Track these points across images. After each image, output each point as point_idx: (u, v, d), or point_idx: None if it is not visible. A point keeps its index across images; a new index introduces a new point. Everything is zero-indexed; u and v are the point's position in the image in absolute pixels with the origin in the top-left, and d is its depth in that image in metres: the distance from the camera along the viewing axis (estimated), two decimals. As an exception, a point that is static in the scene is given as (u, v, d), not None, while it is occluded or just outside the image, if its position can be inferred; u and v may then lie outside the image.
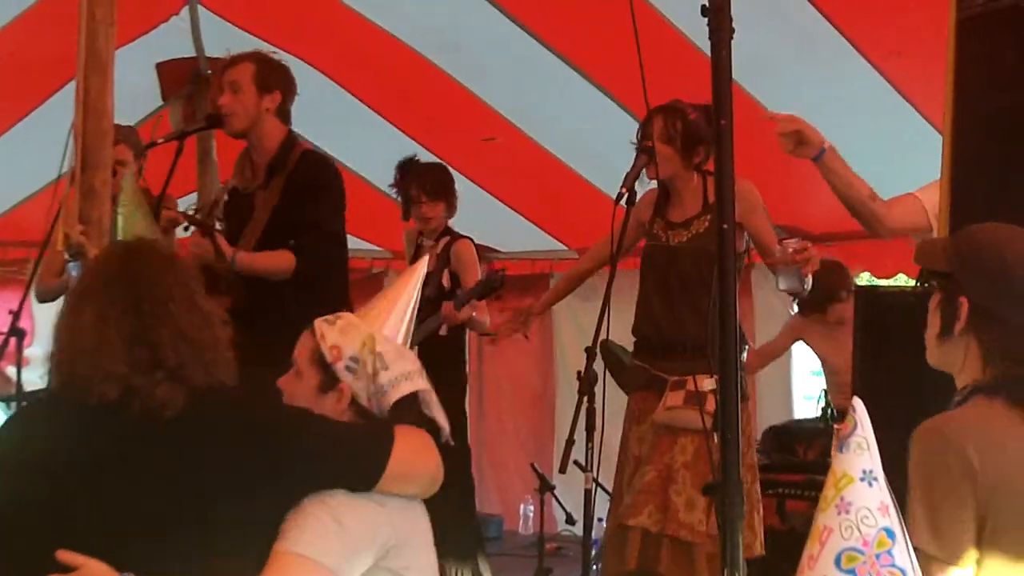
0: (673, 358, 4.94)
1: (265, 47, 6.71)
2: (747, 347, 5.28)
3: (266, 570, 2.70)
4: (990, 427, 2.71)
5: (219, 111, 5.11)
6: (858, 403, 2.04)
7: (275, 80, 5.15)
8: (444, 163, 6.66)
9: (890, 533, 1.98)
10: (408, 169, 6.59)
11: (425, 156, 7.42)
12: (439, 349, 5.90)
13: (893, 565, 1.95)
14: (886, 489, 2.04)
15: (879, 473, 2.03)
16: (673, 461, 4.86)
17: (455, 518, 6.03)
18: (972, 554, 2.59)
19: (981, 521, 2.60)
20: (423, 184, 6.39)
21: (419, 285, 3.32)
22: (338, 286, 5.23)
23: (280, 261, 4.95)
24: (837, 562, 1.96)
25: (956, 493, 2.63)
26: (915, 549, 2.34)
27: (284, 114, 5.20)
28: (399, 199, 6.67)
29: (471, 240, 6.44)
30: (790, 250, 4.58)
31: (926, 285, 4.32)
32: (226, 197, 5.42)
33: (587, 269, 5.67)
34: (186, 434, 2.74)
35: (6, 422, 2.99)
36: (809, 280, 4.63)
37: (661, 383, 4.92)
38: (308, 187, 5.09)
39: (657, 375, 4.91)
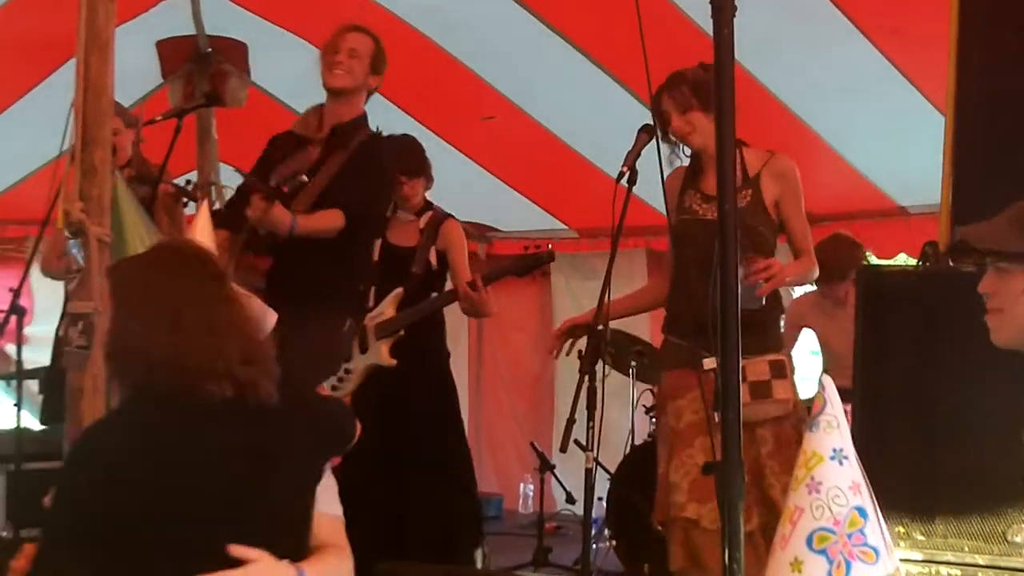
0: (712, 337, 4.83)
1: (265, 25, 6.72)
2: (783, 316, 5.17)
3: (326, 533, 2.91)
4: None
5: (334, 69, 5.28)
6: (827, 381, 2.03)
7: (383, 65, 5.36)
8: (409, 134, 6.52)
9: (862, 512, 1.97)
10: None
11: (425, 135, 7.40)
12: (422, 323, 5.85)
13: (865, 544, 1.94)
14: (857, 467, 2.03)
15: (850, 451, 2.02)
16: (758, 455, 4.78)
17: (455, 495, 6.02)
18: None
19: None
20: (402, 163, 6.25)
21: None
22: (365, 260, 5.50)
23: (333, 220, 5.08)
24: (809, 542, 1.95)
25: None
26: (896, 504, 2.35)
27: (368, 95, 5.40)
28: None
29: (457, 220, 6.32)
30: (752, 268, 4.57)
31: (927, 264, 4.33)
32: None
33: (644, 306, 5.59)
34: (288, 420, 2.88)
35: (116, 427, 2.90)
36: (763, 300, 4.63)
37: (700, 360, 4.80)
38: (367, 165, 5.24)
39: (702, 354, 4.78)
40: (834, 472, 2.00)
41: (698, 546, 4.72)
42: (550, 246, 6.70)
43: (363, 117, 5.37)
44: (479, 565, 6.27)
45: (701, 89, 4.74)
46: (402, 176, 6.05)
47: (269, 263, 5.07)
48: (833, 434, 2.03)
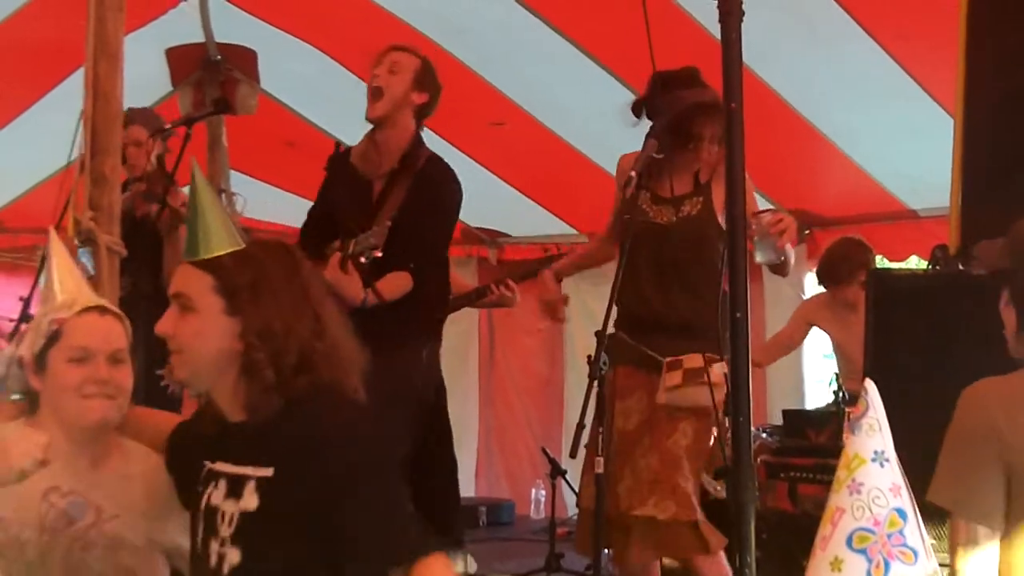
0: (661, 338, 4.87)
1: (273, 32, 6.73)
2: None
3: None
4: None
5: (372, 84, 5.18)
6: (870, 385, 2.05)
7: (430, 83, 5.22)
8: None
9: (902, 513, 1.99)
10: None
11: (434, 140, 7.40)
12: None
13: (904, 545, 1.95)
14: (898, 470, 2.05)
15: (891, 454, 2.03)
16: (676, 446, 4.82)
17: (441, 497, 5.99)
18: (998, 514, 2.60)
19: (1008, 483, 2.61)
20: None
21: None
22: (439, 290, 5.40)
23: (402, 286, 5.03)
24: (849, 542, 1.96)
25: (980, 454, 2.65)
26: (935, 508, 2.36)
27: (420, 116, 5.25)
28: None
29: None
30: (765, 222, 4.54)
31: (937, 267, 4.34)
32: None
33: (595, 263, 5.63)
34: None
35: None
36: (789, 251, 4.60)
37: (649, 361, 4.86)
38: (431, 199, 5.16)
39: (648, 353, 4.84)
40: (875, 474, 2.02)
41: (660, 539, 4.76)
42: (559, 251, 6.71)
43: (416, 140, 5.25)
44: (462, 569, 6.25)
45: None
46: None
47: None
48: (875, 437, 2.06)
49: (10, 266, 8.62)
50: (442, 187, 5.22)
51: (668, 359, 4.76)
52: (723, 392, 4.71)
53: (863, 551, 1.94)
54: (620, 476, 4.86)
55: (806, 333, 7.32)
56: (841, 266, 6.69)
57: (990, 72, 4.45)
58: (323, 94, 7.57)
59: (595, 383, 4.47)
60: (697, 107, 4.76)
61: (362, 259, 4.87)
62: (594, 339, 4.53)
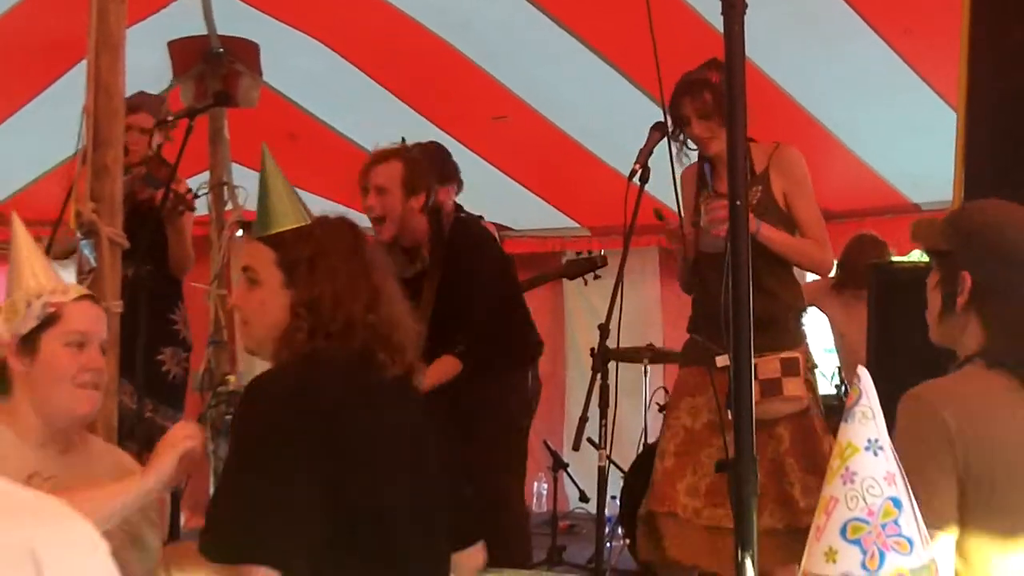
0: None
1: (275, 25, 6.73)
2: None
3: None
4: (976, 393, 2.73)
5: (370, 215, 5.17)
6: (863, 372, 2.04)
7: (422, 180, 5.24)
8: (436, 143, 6.52)
9: (896, 502, 1.98)
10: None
11: (437, 134, 7.40)
12: None
13: (900, 535, 1.94)
14: (892, 459, 2.04)
15: (885, 442, 2.02)
16: (776, 454, 4.77)
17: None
18: (952, 518, 2.60)
19: (962, 486, 2.61)
20: (437, 171, 6.25)
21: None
22: (522, 326, 5.68)
23: (449, 371, 5.09)
24: (843, 532, 1.95)
25: (934, 458, 2.65)
26: None
27: (427, 207, 5.28)
28: None
29: (489, 223, 6.34)
30: (710, 209, 4.59)
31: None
32: None
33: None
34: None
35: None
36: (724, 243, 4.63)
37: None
38: (467, 268, 5.27)
39: (714, 350, 4.77)
40: (869, 463, 2.01)
41: (702, 546, 4.73)
42: (602, 252, 6.75)
43: (435, 229, 5.33)
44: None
45: (722, 99, 4.74)
46: (437, 184, 6.08)
47: None
48: (868, 425, 2.04)
49: (13, 258, 8.61)
50: (471, 256, 5.35)
51: (719, 364, 4.66)
52: (802, 404, 4.75)
53: (857, 541, 1.93)
54: (680, 474, 4.82)
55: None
56: (858, 262, 6.70)
57: (993, 66, 4.44)
58: (325, 87, 7.57)
59: (598, 375, 4.48)
60: (675, 90, 4.77)
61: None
62: (596, 332, 4.54)
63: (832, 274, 6.94)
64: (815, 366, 4.96)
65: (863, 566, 1.91)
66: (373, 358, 2.89)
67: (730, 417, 2.70)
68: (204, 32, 6.90)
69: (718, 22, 2.77)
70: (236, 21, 6.83)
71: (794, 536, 4.64)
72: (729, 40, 2.77)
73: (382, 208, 5.15)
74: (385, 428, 2.88)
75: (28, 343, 3.05)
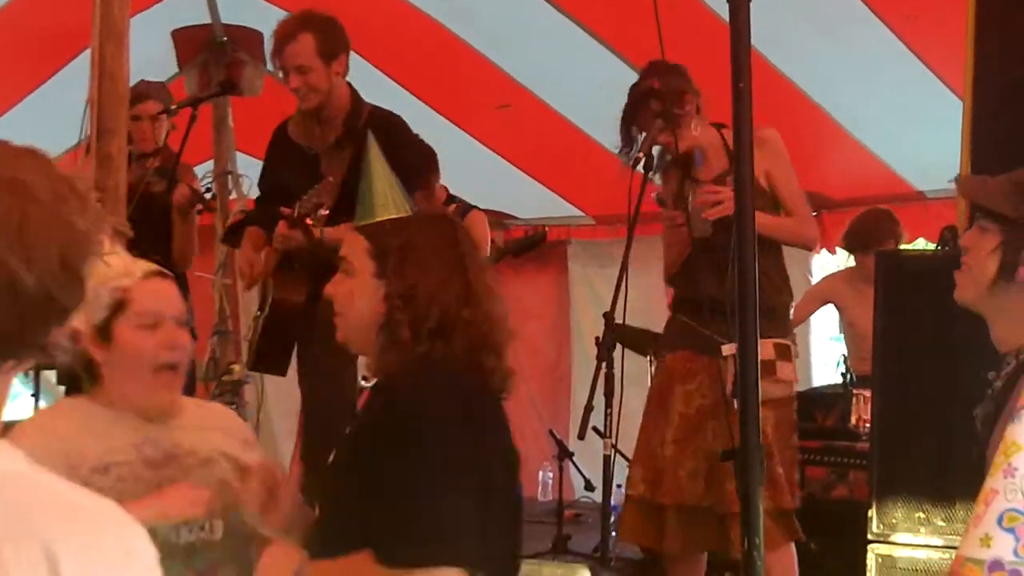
0: (719, 321, 4.80)
1: (279, 14, 6.71)
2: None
3: None
4: None
5: (296, 93, 5.01)
6: None
7: (337, 43, 5.01)
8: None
9: None
10: None
11: (441, 123, 7.41)
12: None
13: None
14: None
15: None
16: (764, 436, 4.77)
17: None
18: None
19: None
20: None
21: None
22: None
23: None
24: (999, 521, 2.07)
25: None
26: None
27: (347, 71, 5.10)
28: None
29: (481, 211, 6.33)
30: (700, 196, 4.62)
31: (945, 248, 4.32)
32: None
33: None
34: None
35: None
36: (709, 225, 4.65)
37: (710, 345, 4.78)
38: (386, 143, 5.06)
39: (709, 336, 4.77)
40: None
41: (700, 531, 4.75)
42: (545, 228, 6.72)
43: (354, 101, 5.13)
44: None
45: (669, 100, 4.78)
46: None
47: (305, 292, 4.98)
48: None
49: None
50: (384, 143, 5.11)
51: (732, 351, 4.66)
52: (791, 390, 4.78)
53: (1012, 530, 2.05)
54: (680, 460, 4.82)
55: (815, 310, 7.32)
56: (871, 233, 6.70)
57: (999, 55, 4.44)
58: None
59: (603, 364, 4.48)
60: (624, 112, 4.82)
61: (308, 220, 4.80)
62: (601, 321, 4.54)
63: (845, 264, 6.96)
64: (796, 356, 4.98)
65: (1015, 552, 2.01)
66: (481, 364, 2.87)
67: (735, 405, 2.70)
68: (208, 21, 6.90)
69: (723, 10, 2.77)
70: (239, 10, 6.84)
71: (780, 518, 4.66)
72: (735, 29, 2.77)
73: (307, 87, 4.95)
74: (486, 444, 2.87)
75: (103, 331, 3.00)
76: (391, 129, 5.06)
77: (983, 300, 2.95)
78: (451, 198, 6.28)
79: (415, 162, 5.08)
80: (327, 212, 4.80)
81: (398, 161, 5.03)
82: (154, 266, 3.17)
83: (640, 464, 4.92)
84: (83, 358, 3.02)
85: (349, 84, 5.09)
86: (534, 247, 6.12)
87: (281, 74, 5.04)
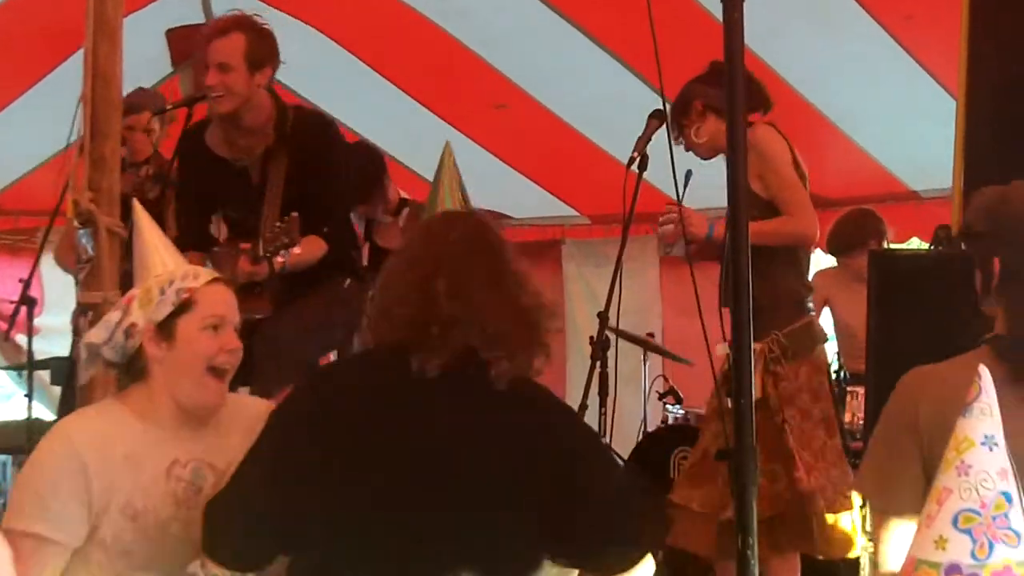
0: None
1: (273, 13, 6.70)
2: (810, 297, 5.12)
3: None
4: (962, 382, 2.70)
5: (208, 91, 4.76)
6: (984, 371, 2.06)
7: (266, 53, 4.79)
8: (363, 142, 6.43)
9: (1008, 497, 2.02)
10: None
11: (437, 123, 7.40)
12: None
13: (1009, 528, 1.99)
14: (1006, 455, 2.07)
15: (1000, 439, 2.06)
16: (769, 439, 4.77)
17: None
18: (917, 508, 2.59)
19: (928, 475, 2.60)
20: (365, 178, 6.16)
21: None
22: (348, 231, 5.26)
23: (316, 252, 4.84)
24: (955, 522, 2.00)
25: (899, 445, 2.65)
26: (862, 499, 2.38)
27: (271, 82, 4.91)
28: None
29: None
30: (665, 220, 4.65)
31: (939, 247, 4.32)
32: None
33: None
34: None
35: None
36: (680, 246, 4.63)
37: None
38: (315, 159, 4.89)
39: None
40: (984, 457, 2.05)
41: (681, 529, 4.75)
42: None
43: (278, 110, 4.90)
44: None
45: (713, 97, 4.76)
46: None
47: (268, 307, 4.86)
48: (986, 421, 2.08)
49: (10, 248, 8.60)
50: (322, 145, 4.98)
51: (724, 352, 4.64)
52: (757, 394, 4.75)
53: (968, 531, 1.98)
54: (690, 461, 4.85)
55: (821, 307, 7.30)
56: (853, 234, 6.67)
57: (993, 54, 4.44)
58: (322, 75, 7.55)
59: (597, 363, 4.47)
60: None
61: (279, 258, 4.62)
62: (596, 320, 4.53)
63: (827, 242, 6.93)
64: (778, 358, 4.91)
65: (972, 555, 1.95)
66: (467, 356, 2.84)
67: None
68: (202, 20, 6.89)
69: (718, 10, 2.76)
70: (233, 9, 6.82)
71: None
72: (728, 28, 2.77)
73: (224, 87, 4.70)
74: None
75: (165, 329, 3.09)
76: (324, 131, 5.02)
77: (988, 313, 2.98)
78: (403, 202, 6.26)
79: (363, 164, 5.02)
80: (299, 252, 4.64)
81: (339, 167, 5.03)
82: (216, 274, 3.29)
83: None
84: (133, 353, 3.13)
85: (272, 94, 4.91)
86: None
87: (204, 69, 4.82)
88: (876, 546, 2.83)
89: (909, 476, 2.64)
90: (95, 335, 3.20)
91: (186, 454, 3.10)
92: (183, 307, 3.10)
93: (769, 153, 4.78)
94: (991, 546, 1.97)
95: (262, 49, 4.76)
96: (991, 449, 2.06)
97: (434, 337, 2.81)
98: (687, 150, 4.95)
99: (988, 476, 2.03)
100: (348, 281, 5.12)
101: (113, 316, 3.18)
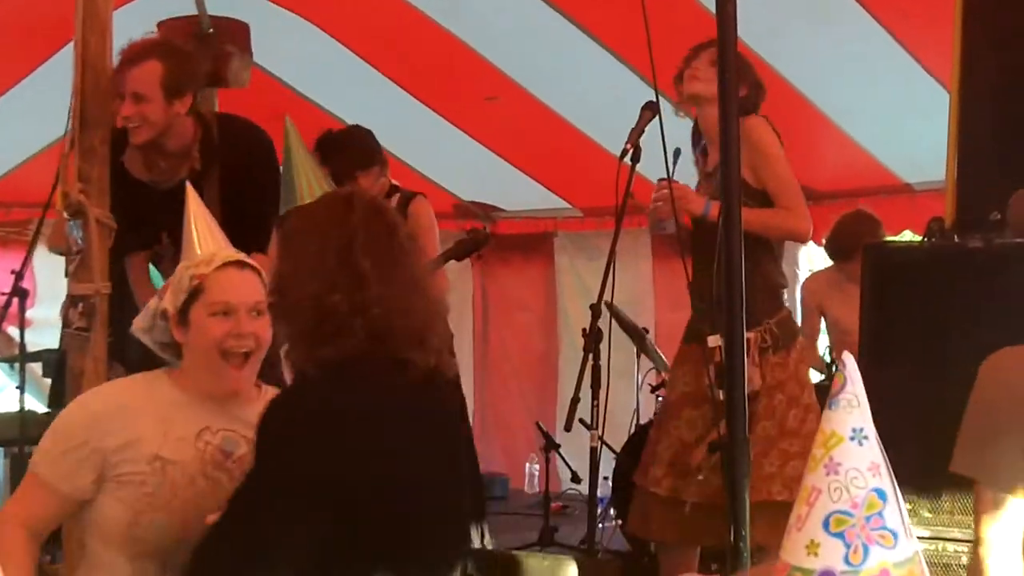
0: (708, 313, 4.77)
1: (266, 6, 6.70)
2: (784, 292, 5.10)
3: None
4: None
5: (125, 124, 4.47)
6: (848, 358, 2.02)
7: (185, 80, 4.56)
8: (358, 125, 6.40)
9: (881, 494, 1.95)
10: (328, 147, 6.12)
11: (429, 115, 7.40)
12: None
13: (884, 527, 1.92)
14: (877, 448, 2.01)
15: (870, 431, 1.99)
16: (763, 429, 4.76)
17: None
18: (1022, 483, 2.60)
19: None
20: (351, 158, 6.04)
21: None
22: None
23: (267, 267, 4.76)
24: (825, 525, 1.91)
25: (1002, 423, 2.65)
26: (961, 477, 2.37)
27: (193, 108, 4.67)
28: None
29: (425, 198, 6.23)
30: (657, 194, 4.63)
31: (933, 239, 4.32)
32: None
33: None
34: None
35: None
36: (670, 224, 4.61)
37: (698, 334, 4.75)
38: (248, 175, 4.74)
39: (699, 326, 4.76)
40: (853, 453, 1.98)
41: (668, 519, 4.75)
42: (486, 228, 6.62)
43: (203, 131, 4.71)
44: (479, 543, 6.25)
45: (742, 66, 4.73)
46: (355, 170, 5.94)
47: None
48: (854, 413, 2.01)
49: (2, 240, 8.59)
50: (252, 162, 4.83)
51: (715, 344, 4.62)
52: (754, 385, 4.75)
53: (840, 535, 1.89)
54: (655, 444, 4.83)
55: (820, 321, 7.28)
56: (853, 240, 6.67)
57: (986, 47, 4.44)
58: (316, 68, 7.55)
59: (590, 356, 4.47)
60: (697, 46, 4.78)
61: None
62: (589, 313, 4.53)
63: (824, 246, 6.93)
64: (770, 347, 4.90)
65: (846, 560, 1.88)
66: (392, 357, 2.79)
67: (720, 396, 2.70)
68: (194, 12, 6.87)
69: (711, 4, 2.76)
70: (226, 1, 6.80)
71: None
72: (722, 22, 2.76)
73: (140, 118, 4.43)
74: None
75: (183, 315, 3.17)
76: (257, 145, 4.88)
77: None
78: (393, 188, 6.21)
79: (264, 206, 4.87)
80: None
81: (274, 176, 4.87)
82: (236, 255, 3.28)
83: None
84: (170, 335, 3.23)
85: (195, 115, 4.71)
86: (478, 249, 5.99)
87: (117, 99, 4.47)
88: (982, 524, 2.84)
89: (1016, 453, 2.65)
90: (140, 321, 3.29)
91: (217, 423, 3.16)
92: (195, 293, 3.15)
93: (762, 145, 4.76)
94: (866, 550, 1.90)
95: (180, 76, 4.53)
96: (860, 443, 1.99)
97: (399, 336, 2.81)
98: (678, 90, 4.92)
99: (859, 473, 1.97)
100: None
101: (154, 302, 3.26)
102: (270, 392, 3.28)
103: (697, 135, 5.00)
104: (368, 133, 6.20)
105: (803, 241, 5.28)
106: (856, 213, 6.92)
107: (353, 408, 2.72)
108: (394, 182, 6.28)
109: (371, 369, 2.77)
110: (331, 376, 2.73)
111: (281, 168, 3.01)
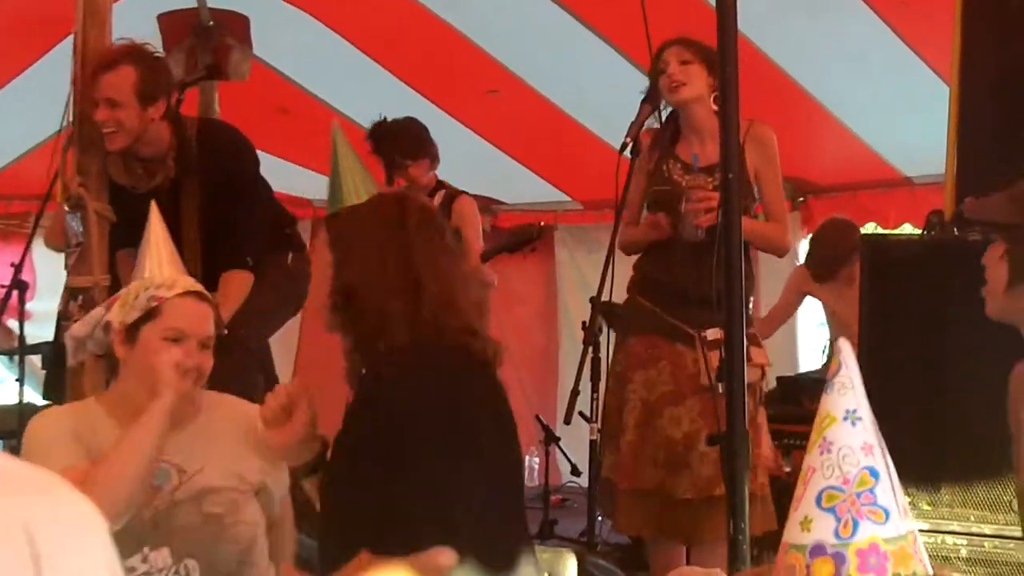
0: (688, 309, 4.78)
1: (267, 0, 6.70)
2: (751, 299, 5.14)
3: None
4: None
5: (102, 129, 4.48)
6: (844, 344, 2.03)
7: (159, 85, 4.58)
8: (412, 117, 6.45)
9: (873, 472, 1.97)
10: (381, 134, 6.26)
11: (430, 108, 7.38)
12: None
13: (875, 504, 1.93)
14: (872, 430, 2.03)
15: (864, 413, 2.01)
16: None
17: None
18: None
19: None
20: (402, 147, 6.16)
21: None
22: (271, 209, 5.23)
23: (245, 288, 4.75)
24: (818, 501, 1.94)
25: None
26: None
27: (170, 110, 4.68)
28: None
29: (470, 196, 6.32)
30: (692, 200, 4.62)
31: (932, 233, 4.33)
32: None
33: None
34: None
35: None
36: (703, 231, 4.63)
37: (676, 332, 4.79)
38: (224, 175, 4.79)
39: (674, 324, 4.78)
40: (846, 433, 2.00)
41: (668, 516, 4.75)
42: (541, 223, 6.66)
43: (179, 135, 4.72)
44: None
45: (710, 52, 4.72)
46: (405, 159, 6.04)
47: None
48: (847, 395, 2.03)
49: (1, 233, 8.59)
50: (231, 161, 4.88)
51: (710, 336, 4.64)
52: (759, 374, 4.77)
53: (831, 509, 1.91)
54: (642, 447, 4.82)
55: (800, 303, 7.31)
56: (833, 257, 6.71)
57: (985, 41, 4.45)
58: (316, 60, 7.54)
59: (589, 349, 4.47)
60: (661, 45, 4.76)
61: None
62: (588, 306, 4.53)
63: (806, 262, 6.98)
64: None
65: (836, 534, 1.90)
66: (458, 342, 2.90)
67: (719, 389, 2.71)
68: (193, 5, 6.87)
69: (711, -5, 2.76)
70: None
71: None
72: (722, 14, 2.77)
73: (115, 123, 4.45)
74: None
75: (130, 332, 3.16)
76: (235, 150, 4.92)
77: (1006, 309, 2.99)
78: (439, 184, 6.25)
79: (248, 211, 4.87)
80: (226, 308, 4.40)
81: (252, 182, 4.93)
82: (197, 286, 3.30)
83: (605, 449, 4.91)
84: (109, 350, 3.23)
85: (171, 120, 4.71)
86: (530, 242, 6.10)
87: (91, 104, 4.48)
88: None
89: None
90: (79, 328, 3.29)
91: (166, 453, 3.13)
92: (149, 314, 3.15)
93: (772, 153, 4.85)
94: (855, 523, 1.92)
95: (154, 81, 4.54)
96: (854, 424, 2.01)
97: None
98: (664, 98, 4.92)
99: (851, 451, 1.99)
100: (290, 256, 5.17)
101: (98, 312, 3.27)
102: (216, 404, 3.32)
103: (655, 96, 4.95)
104: (422, 126, 6.28)
105: (782, 256, 5.34)
106: (830, 223, 6.98)
107: (432, 377, 2.86)
108: (440, 179, 6.32)
109: (438, 355, 2.88)
110: (406, 359, 2.85)
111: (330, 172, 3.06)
